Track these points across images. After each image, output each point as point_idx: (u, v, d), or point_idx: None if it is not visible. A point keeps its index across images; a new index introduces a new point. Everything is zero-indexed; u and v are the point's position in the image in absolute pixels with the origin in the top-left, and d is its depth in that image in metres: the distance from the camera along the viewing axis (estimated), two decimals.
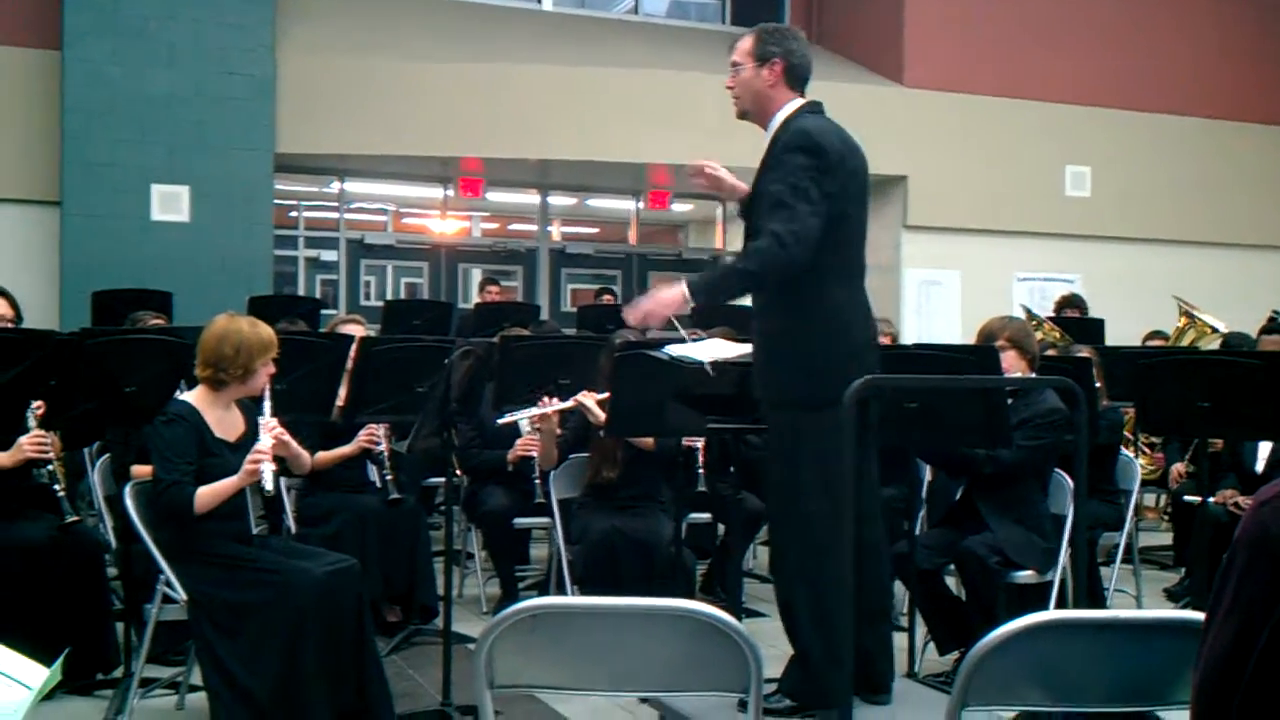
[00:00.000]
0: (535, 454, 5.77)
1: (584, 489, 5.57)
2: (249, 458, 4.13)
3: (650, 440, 5.42)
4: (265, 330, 4.33)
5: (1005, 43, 11.25)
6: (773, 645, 4.25)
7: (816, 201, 3.76)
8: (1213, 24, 11.92)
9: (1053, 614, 2.31)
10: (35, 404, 4.44)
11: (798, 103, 3.98)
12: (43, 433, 4.47)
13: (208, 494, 4.10)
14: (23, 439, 4.44)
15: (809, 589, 3.96)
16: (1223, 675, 1.66)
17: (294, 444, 4.46)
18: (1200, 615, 1.80)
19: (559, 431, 5.70)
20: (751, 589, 6.39)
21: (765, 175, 3.89)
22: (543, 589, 5.92)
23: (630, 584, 5.10)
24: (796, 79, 3.99)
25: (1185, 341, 8.68)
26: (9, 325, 5.07)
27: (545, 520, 5.74)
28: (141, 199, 9.05)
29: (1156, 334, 8.77)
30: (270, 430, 4.25)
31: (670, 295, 3.78)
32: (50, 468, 4.53)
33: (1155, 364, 5.36)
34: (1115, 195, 11.55)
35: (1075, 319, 8.81)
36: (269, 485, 4.15)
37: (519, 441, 5.86)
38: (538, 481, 5.74)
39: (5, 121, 9.04)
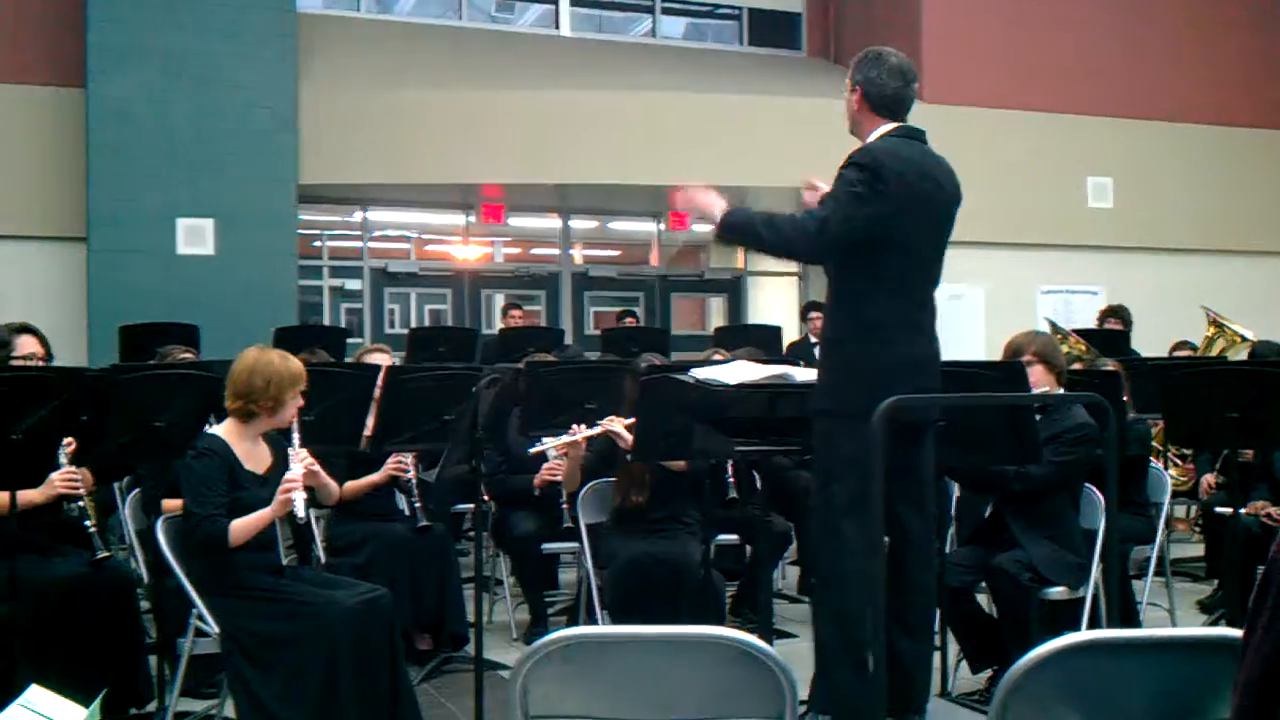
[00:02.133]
0: (560, 478, 5.78)
1: (612, 513, 5.56)
2: (281, 487, 4.15)
3: (682, 462, 5.42)
4: (295, 363, 4.37)
5: (1023, 55, 11.25)
6: (804, 667, 4.23)
7: (851, 212, 3.87)
8: (1231, 32, 11.88)
9: (1089, 634, 2.29)
10: (66, 441, 4.46)
11: (886, 128, 4.05)
12: (74, 469, 4.49)
13: (241, 526, 4.12)
14: (54, 475, 4.46)
15: (836, 601, 4.02)
16: (1262, 694, 1.65)
17: (323, 474, 4.49)
18: (1238, 632, 1.79)
19: (584, 454, 5.71)
20: (781, 610, 6.37)
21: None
22: (572, 614, 5.91)
23: (660, 608, 5.08)
24: (879, 106, 4.06)
25: (1215, 351, 8.62)
26: (40, 363, 5.10)
27: (574, 545, 5.74)
28: (166, 233, 9.13)
29: (1184, 344, 8.70)
30: (301, 460, 4.27)
31: (707, 203, 4.07)
32: (81, 503, 4.55)
33: (1182, 375, 5.33)
34: (1138, 205, 11.51)
35: (1103, 331, 8.77)
36: (301, 513, 4.18)
37: (544, 467, 5.86)
38: (565, 507, 5.74)
39: (30, 159, 9.14)
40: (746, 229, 4.08)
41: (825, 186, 4.12)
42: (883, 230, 3.92)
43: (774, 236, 4.01)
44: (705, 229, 12.65)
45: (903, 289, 4.01)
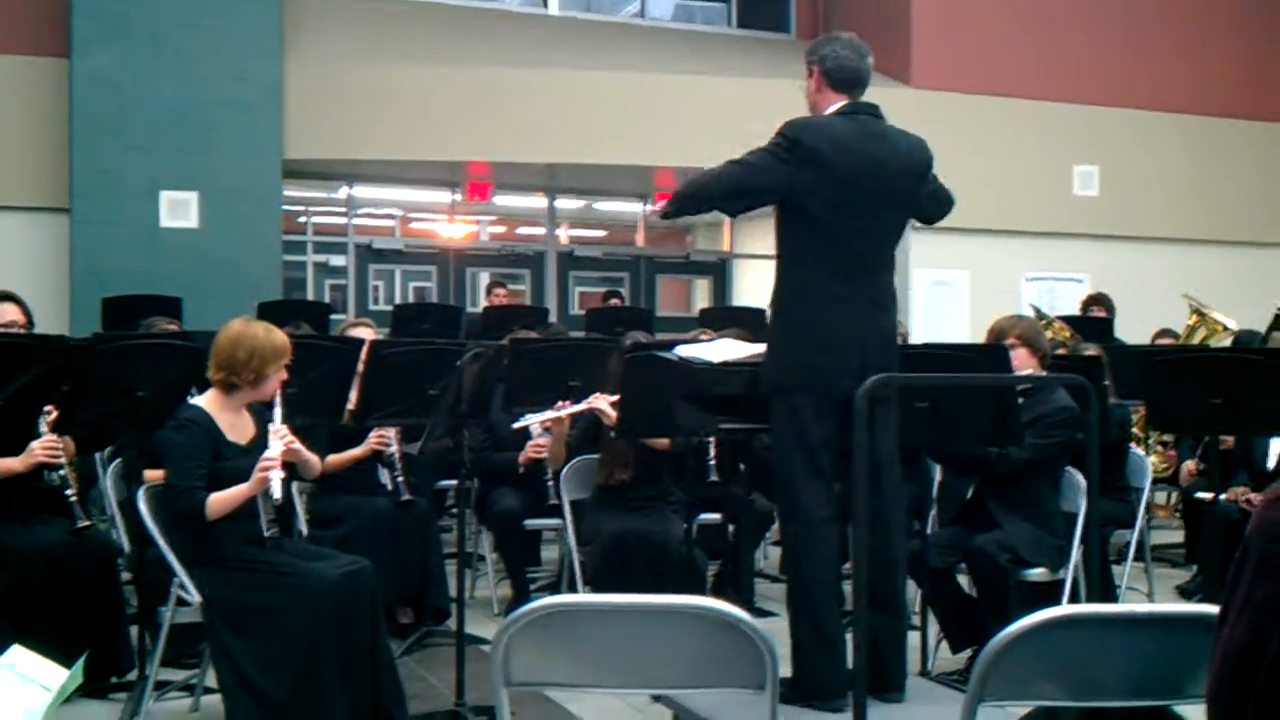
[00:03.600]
0: (545, 456, 5.79)
1: (595, 490, 5.57)
2: (258, 466, 4.13)
3: (665, 440, 5.42)
4: (279, 336, 4.35)
5: (1012, 42, 11.25)
6: (785, 644, 4.25)
7: (760, 165, 3.92)
8: (1221, 21, 11.90)
9: (1068, 609, 2.31)
10: (47, 409, 4.45)
11: (837, 105, 4.05)
12: (55, 437, 4.48)
13: (219, 501, 4.11)
14: (34, 443, 4.45)
15: (793, 574, 4.07)
16: (1237, 674, 1.66)
17: (304, 450, 4.47)
18: (1215, 608, 1.80)
19: (570, 431, 5.72)
20: (763, 589, 6.39)
21: None
22: (554, 590, 5.92)
23: (642, 584, 5.09)
24: (837, 80, 4.08)
25: (1196, 339, 8.66)
26: (22, 331, 5.08)
27: (556, 521, 5.74)
28: (150, 205, 9.07)
29: (1166, 332, 8.75)
30: (280, 437, 4.26)
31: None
32: (62, 472, 4.54)
33: (1166, 361, 5.36)
34: (1124, 194, 11.53)
35: (1086, 319, 8.80)
36: (277, 494, 4.16)
37: (529, 444, 5.87)
38: (549, 483, 5.75)
39: (14, 130, 9.07)
40: (675, 197, 4.18)
41: None
42: (794, 202, 3.94)
43: (690, 187, 4.12)
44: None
45: (830, 264, 3.99)
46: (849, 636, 3.72)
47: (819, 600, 4.01)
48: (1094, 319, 8.81)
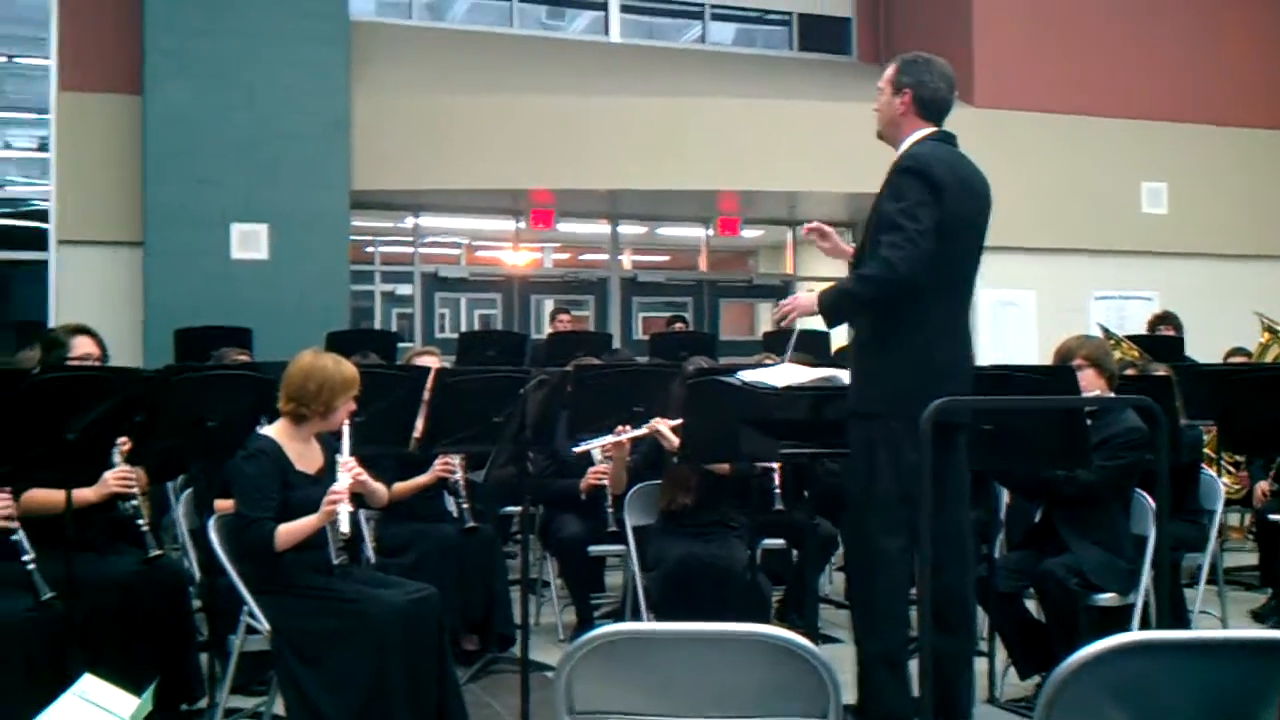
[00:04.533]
0: (606, 482, 5.80)
1: (658, 516, 5.57)
2: (326, 499, 4.18)
3: (727, 465, 5.42)
4: (348, 369, 4.40)
5: (1076, 59, 11.15)
6: (849, 671, 4.22)
7: (925, 222, 3.88)
8: None
9: (1137, 635, 2.27)
10: (120, 440, 4.53)
11: (925, 131, 4.09)
12: (128, 468, 4.55)
13: (288, 532, 4.16)
14: (108, 474, 4.52)
15: (864, 600, 4.05)
16: None
17: (370, 480, 4.51)
18: None
19: (629, 457, 5.73)
20: (827, 614, 6.35)
21: (881, 197, 4.03)
22: (618, 616, 5.92)
23: (706, 610, 5.08)
24: (927, 109, 4.11)
25: (1269, 358, 8.51)
26: (96, 364, 5.18)
27: (620, 548, 5.75)
28: (221, 238, 9.23)
29: (1238, 350, 8.59)
30: (347, 469, 4.30)
31: (806, 300, 4.14)
32: (135, 502, 4.61)
33: (1236, 380, 5.28)
34: (1193, 210, 11.37)
35: (1158, 337, 8.68)
36: (345, 527, 4.19)
37: (591, 470, 5.89)
38: (610, 509, 5.76)
39: (90, 166, 9.29)
40: (842, 298, 4.11)
41: (829, 229, 4.31)
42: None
43: (869, 285, 3.99)
44: (755, 234, 12.70)
45: (945, 293, 4.01)
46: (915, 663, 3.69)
47: (887, 627, 3.99)
48: (1164, 338, 8.68)
